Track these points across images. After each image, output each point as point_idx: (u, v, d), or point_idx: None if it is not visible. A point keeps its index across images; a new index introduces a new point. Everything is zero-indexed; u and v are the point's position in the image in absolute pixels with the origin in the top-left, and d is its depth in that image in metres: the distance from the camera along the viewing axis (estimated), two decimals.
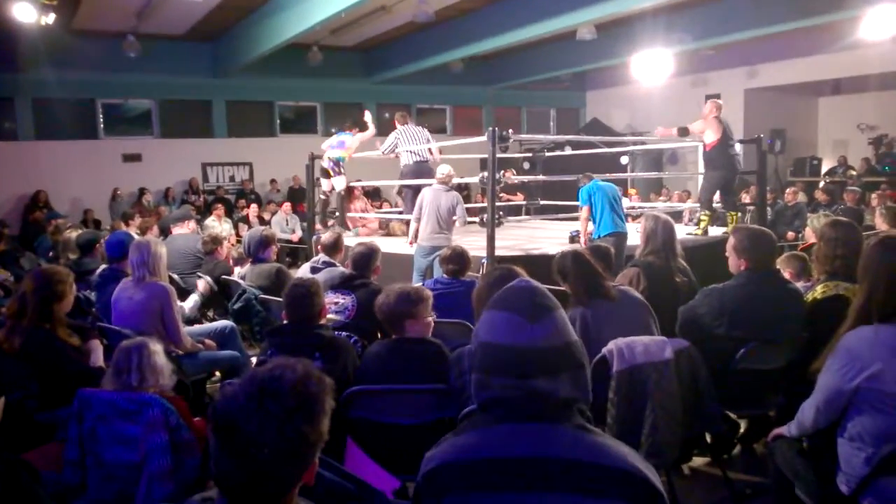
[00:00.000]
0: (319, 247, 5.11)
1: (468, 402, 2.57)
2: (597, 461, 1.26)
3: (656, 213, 4.16)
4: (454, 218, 6.43)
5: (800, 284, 3.61)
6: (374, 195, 13.27)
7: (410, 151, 7.78)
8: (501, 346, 1.34)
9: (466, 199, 13.49)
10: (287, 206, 12.00)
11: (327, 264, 4.86)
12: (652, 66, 11.13)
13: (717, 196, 7.65)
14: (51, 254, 6.20)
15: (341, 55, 14.56)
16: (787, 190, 11.37)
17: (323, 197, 8.66)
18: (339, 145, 8.19)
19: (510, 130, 6.49)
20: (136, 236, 4.67)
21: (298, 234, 11.21)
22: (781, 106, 14.66)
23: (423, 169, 7.70)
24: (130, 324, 3.79)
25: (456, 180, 7.16)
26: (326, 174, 8.31)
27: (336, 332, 3.30)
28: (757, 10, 10.67)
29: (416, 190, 7.51)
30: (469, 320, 3.96)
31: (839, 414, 2.15)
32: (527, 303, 1.36)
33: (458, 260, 4.29)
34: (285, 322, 3.10)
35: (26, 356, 3.10)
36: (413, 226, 6.68)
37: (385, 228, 8.99)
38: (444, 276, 4.32)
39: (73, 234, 5.67)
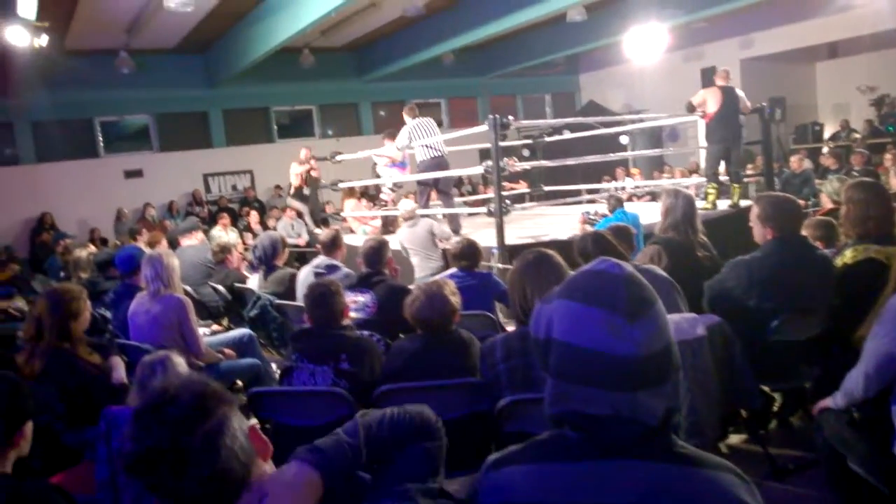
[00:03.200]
0: (319, 246, 4.92)
1: (501, 395, 2.52)
2: None
3: (677, 188, 4.09)
4: (437, 241, 6.20)
5: (826, 251, 3.53)
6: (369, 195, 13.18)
7: (426, 146, 7.53)
8: (592, 353, 1.08)
9: (471, 192, 13.37)
10: (291, 211, 11.92)
11: (330, 269, 4.65)
12: (645, 42, 11.00)
13: (722, 168, 7.58)
14: (62, 274, 6.16)
15: (333, 56, 14.50)
16: (792, 157, 11.28)
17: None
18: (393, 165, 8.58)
19: (510, 117, 6.37)
20: (146, 250, 4.61)
21: (305, 238, 11.16)
22: (778, 74, 14.53)
23: (440, 163, 7.43)
24: (149, 338, 3.75)
25: (457, 172, 7.10)
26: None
27: (359, 332, 3.25)
28: None
29: (431, 185, 7.58)
30: (489, 311, 3.92)
31: (890, 380, 2.09)
32: (623, 296, 1.09)
33: (470, 254, 4.24)
34: (308, 325, 3.05)
35: (49, 378, 3.05)
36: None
37: (392, 225, 8.90)
38: (458, 270, 4.26)
39: (83, 253, 5.64)
